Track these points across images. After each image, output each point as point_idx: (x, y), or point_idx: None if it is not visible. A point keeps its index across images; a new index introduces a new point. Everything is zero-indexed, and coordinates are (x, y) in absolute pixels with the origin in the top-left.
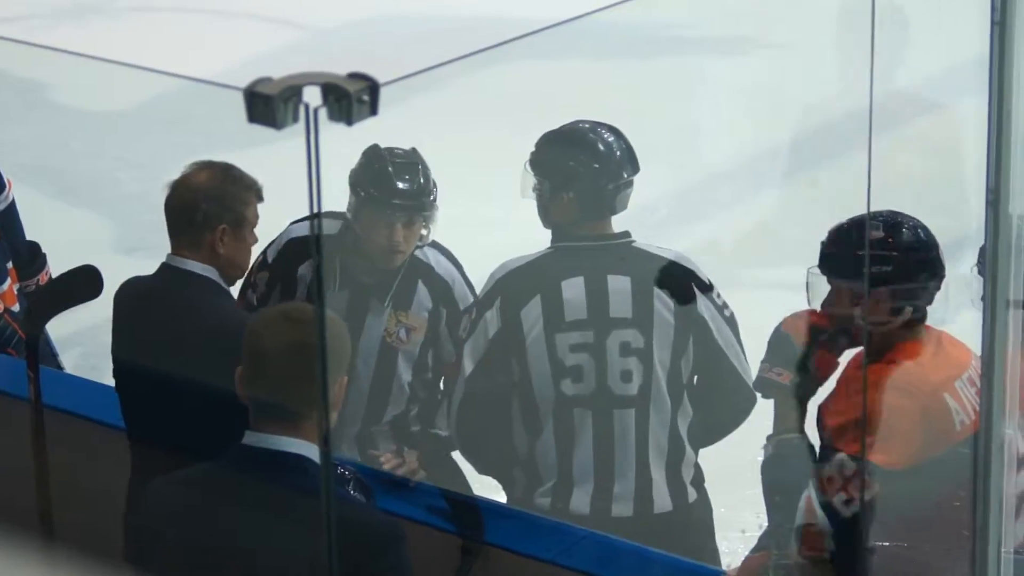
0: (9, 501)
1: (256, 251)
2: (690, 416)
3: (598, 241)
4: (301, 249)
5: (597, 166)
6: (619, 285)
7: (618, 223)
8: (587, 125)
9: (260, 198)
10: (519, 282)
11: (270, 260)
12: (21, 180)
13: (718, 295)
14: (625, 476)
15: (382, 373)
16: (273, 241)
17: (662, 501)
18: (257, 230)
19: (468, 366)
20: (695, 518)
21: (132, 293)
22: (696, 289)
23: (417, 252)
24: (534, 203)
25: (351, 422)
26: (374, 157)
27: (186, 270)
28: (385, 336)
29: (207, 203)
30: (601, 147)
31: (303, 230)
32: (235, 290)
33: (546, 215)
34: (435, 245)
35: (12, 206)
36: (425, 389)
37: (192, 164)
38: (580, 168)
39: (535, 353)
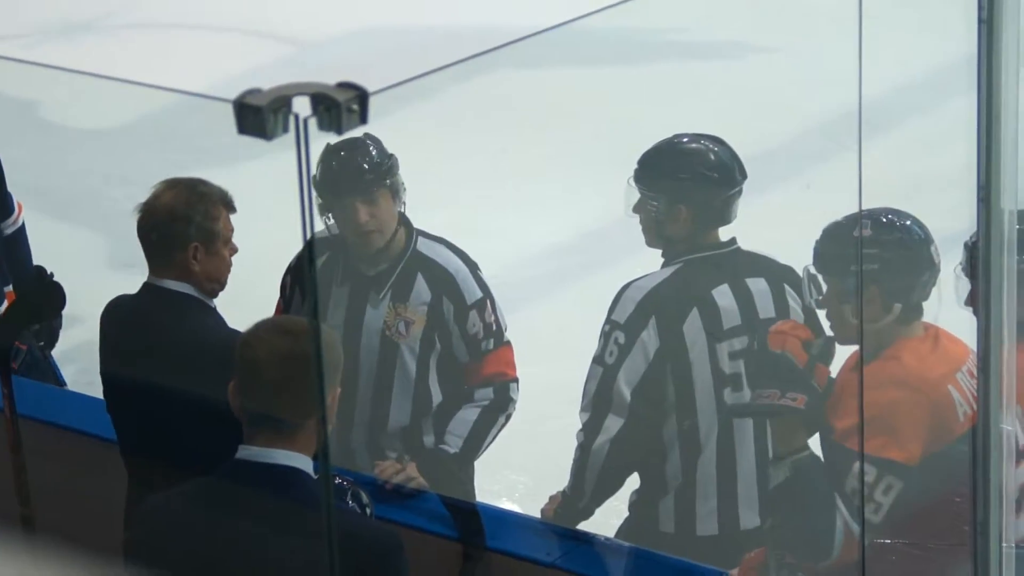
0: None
1: (237, 262)
2: None
3: (719, 249)
4: (318, 247)
5: (716, 175)
6: (759, 287)
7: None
8: (689, 137)
9: (231, 209)
10: (669, 298)
11: (293, 264)
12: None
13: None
14: None
15: (384, 367)
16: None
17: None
18: (245, 242)
19: (625, 391)
20: None
21: (115, 312)
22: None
23: (420, 246)
24: (637, 220)
25: (357, 420)
26: (319, 158)
27: (164, 288)
28: (385, 330)
29: (175, 223)
30: (712, 157)
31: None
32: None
33: (660, 230)
34: (443, 241)
35: (21, 230)
36: (436, 391)
37: (159, 184)
38: (699, 179)
39: (699, 366)
